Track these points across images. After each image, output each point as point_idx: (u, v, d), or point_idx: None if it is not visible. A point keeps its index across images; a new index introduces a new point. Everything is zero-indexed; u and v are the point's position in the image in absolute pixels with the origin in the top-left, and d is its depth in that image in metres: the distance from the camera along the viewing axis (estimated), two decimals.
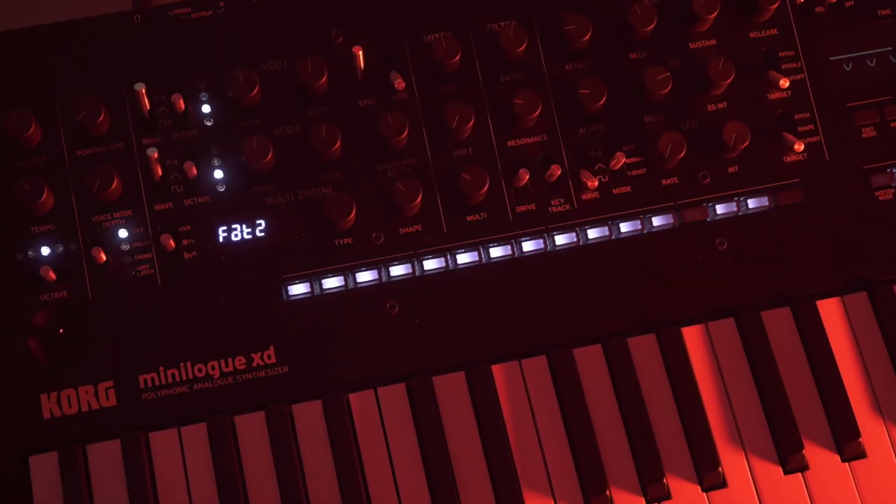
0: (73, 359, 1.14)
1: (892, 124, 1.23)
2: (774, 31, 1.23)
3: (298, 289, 1.16)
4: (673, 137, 1.18)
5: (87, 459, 1.12)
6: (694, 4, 1.19)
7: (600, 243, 1.19)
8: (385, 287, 1.17)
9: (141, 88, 1.15)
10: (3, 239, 1.15)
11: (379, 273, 1.17)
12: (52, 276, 1.14)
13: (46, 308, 1.15)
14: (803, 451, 1.14)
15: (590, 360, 1.16)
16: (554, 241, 1.19)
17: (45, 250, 1.15)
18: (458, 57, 1.18)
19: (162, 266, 1.16)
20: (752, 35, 1.23)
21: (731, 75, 1.19)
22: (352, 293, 1.17)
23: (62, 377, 1.14)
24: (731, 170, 1.21)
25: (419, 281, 1.17)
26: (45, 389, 1.13)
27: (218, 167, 1.18)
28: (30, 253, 1.15)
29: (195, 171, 1.16)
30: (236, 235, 1.17)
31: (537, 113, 1.18)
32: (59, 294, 1.15)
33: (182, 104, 1.17)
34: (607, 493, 1.12)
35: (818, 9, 1.24)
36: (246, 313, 1.16)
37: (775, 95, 1.22)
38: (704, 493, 1.13)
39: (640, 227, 1.19)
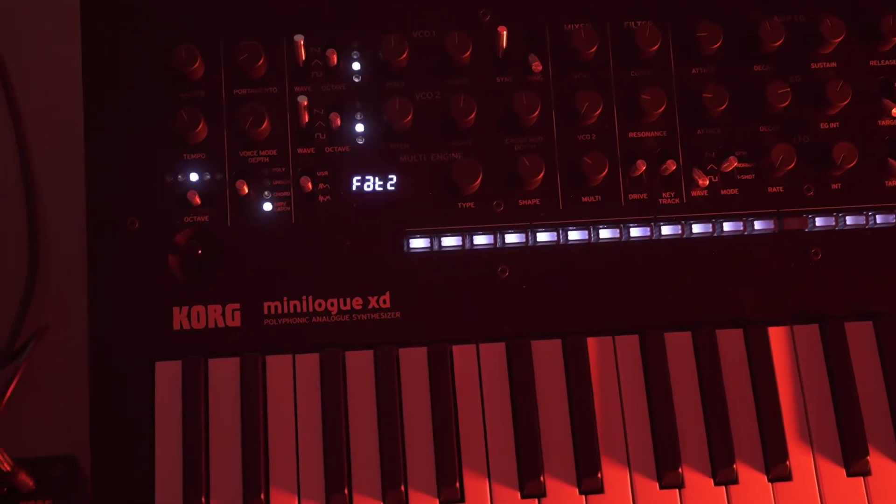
0: (207, 279, 1.20)
1: None
2: (894, 62, 1.27)
3: (419, 243, 1.22)
4: (784, 149, 1.22)
5: (208, 372, 1.18)
6: (821, 28, 1.23)
7: (703, 238, 1.23)
8: (499, 252, 1.22)
9: (300, 40, 1.21)
10: (157, 161, 1.22)
11: (495, 238, 1.22)
12: (198, 200, 1.21)
13: (188, 229, 1.21)
14: (868, 457, 1.18)
15: (679, 345, 1.21)
16: (660, 230, 1.23)
17: (194, 176, 1.22)
18: (594, 48, 1.23)
19: (297, 205, 1.22)
20: (871, 63, 1.26)
21: (848, 98, 1.22)
22: (467, 253, 1.22)
23: (195, 294, 1.20)
24: (834, 186, 1.24)
25: (531, 251, 1.22)
26: (178, 303, 1.20)
27: (360, 121, 1.23)
28: (179, 177, 1.22)
29: (339, 122, 1.22)
30: (369, 186, 1.23)
31: (661, 110, 1.22)
32: (202, 218, 1.21)
33: (335, 59, 1.23)
34: (680, 470, 1.17)
35: None
36: (368, 259, 1.21)
37: (886, 122, 1.25)
38: (770, 483, 1.17)
39: (741, 228, 1.23)
